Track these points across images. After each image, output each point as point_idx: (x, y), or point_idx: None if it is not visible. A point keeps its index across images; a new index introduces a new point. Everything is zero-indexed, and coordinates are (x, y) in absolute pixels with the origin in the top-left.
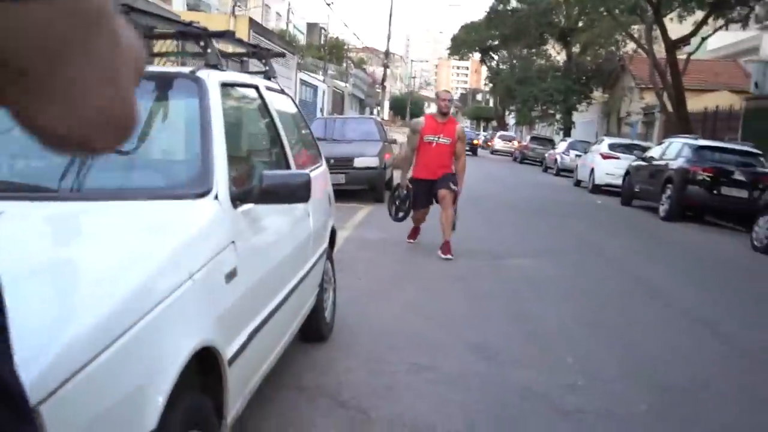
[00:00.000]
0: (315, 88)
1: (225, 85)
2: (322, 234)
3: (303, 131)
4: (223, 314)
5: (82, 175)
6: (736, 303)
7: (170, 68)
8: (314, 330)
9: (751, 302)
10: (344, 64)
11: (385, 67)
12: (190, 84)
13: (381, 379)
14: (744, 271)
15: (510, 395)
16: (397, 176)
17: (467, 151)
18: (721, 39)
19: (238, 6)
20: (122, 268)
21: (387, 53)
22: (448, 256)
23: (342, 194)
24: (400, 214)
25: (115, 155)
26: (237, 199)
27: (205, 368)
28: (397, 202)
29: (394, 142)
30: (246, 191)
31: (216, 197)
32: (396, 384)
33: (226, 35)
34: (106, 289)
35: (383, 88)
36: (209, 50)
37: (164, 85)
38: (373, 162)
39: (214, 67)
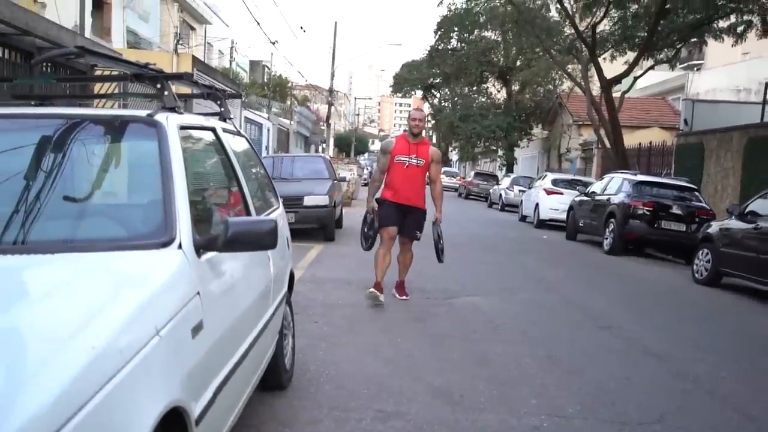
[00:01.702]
0: (260, 125)
1: (183, 128)
2: (282, 278)
3: (259, 172)
4: (190, 370)
5: (36, 226)
6: (683, 334)
7: (125, 111)
8: (274, 378)
9: (696, 333)
10: (288, 102)
11: (330, 104)
12: (147, 128)
13: (347, 428)
14: (687, 302)
15: None
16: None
17: None
18: (650, 78)
19: (181, 44)
20: (85, 326)
21: (331, 91)
22: (404, 297)
23: (292, 233)
24: (369, 241)
25: (70, 203)
26: (201, 248)
27: (169, 429)
28: (365, 229)
29: (344, 180)
30: (210, 239)
31: (180, 246)
32: None
33: (184, 77)
34: (68, 352)
35: (328, 125)
36: (166, 92)
37: (120, 128)
38: (323, 200)
39: (172, 109)
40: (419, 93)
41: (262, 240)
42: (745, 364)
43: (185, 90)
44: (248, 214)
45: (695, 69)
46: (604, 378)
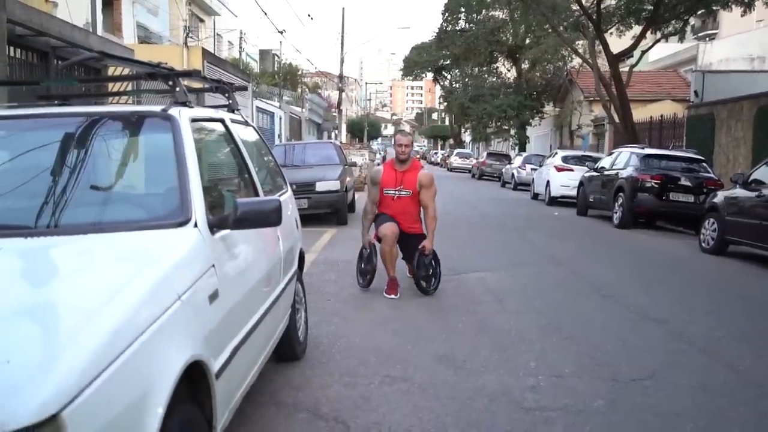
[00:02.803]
0: (272, 114)
1: (194, 121)
2: (291, 257)
3: (267, 159)
4: (209, 332)
5: (67, 211)
6: (684, 300)
7: (141, 107)
8: (288, 349)
9: (697, 299)
10: (299, 90)
11: (340, 90)
12: (162, 121)
13: (356, 391)
14: (692, 270)
15: (477, 398)
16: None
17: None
18: (662, 50)
19: (191, 37)
20: (118, 291)
21: (341, 77)
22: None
23: (306, 219)
24: (367, 277)
25: (96, 191)
26: (214, 226)
27: (193, 383)
28: (362, 265)
29: (354, 165)
30: (222, 218)
31: (195, 225)
32: (371, 395)
33: (193, 74)
34: (105, 311)
35: (339, 111)
36: (177, 89)
37: (137, 123)
38: (335, 186)
39: (183, 104)
40: (430, 75)
41: (267, 217)
42: (741, 326)
43: (196, 84)
44: (256, 196)
45: (707, 39)
46: (601, 341)
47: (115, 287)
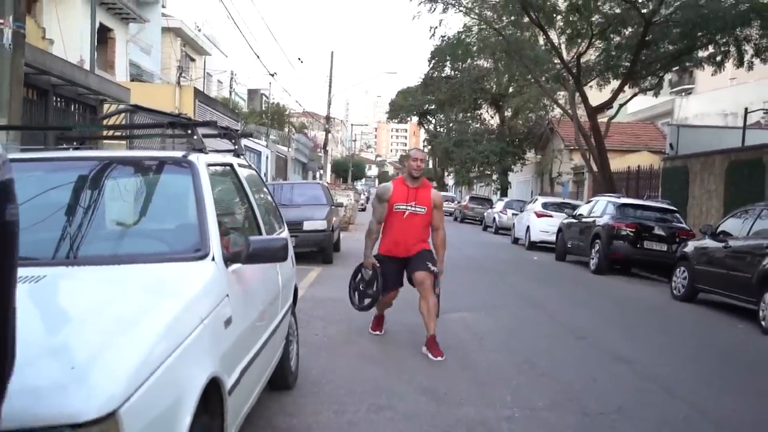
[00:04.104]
0: (259, 153)
1: (209, 165)
2: (288, 290)
3: (267, 200)
4: (223, 354)
5: (101, 245)
6: (654, 343)
7: (164, 152)
8: (281, 379)
9: (666, 343)
10: (286, 129)
11: (327, 131)
12: (183, 166)
13: (344, 418)
14: (663, 316)
15: (457, 427)
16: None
17: None
18: (640, 103)
19: (183, 77)
20: (153, 312)
21: (328, 118)
22: (439, 358)
23: None
24: (366, 301)
25: (125, 227)
26: (228, 260)
27: (206, 399)
28: (361, 286)
29: (341, 205)
30: (236, 253)
31: (213, 259)
32: (359, 421)
33: (209, 124)
34: (148, 327)
35: (325, 152)
36: (195, 137)
37: (161, 167)
38: (322, 225)
39: (200, 150)
40: (415, 119)
41: (276, 254)
42: (703, 369)
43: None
44: (260, 234)
45: (683, 94)
46: (573, 379)
47: (149, 309)
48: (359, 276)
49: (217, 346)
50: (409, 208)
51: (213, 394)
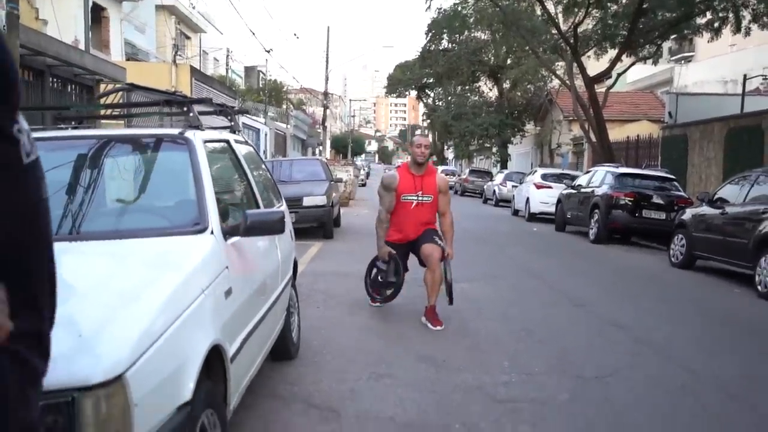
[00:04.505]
0: (257, 131)
1: (206, 142)
2: (287, 264)
3: (265, 175)
4: (224, 323)
5: (104, 220)
6: (650, 310)
7: (161, 130)
8: (283, 349)
9: (663, 309)
10: (284, 106)
11: (325, 107)
12: (180, 143)
13: (346, 386)
14: (660, 283)
15: (455, 392)
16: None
17: None
18: (639, 72)
19: (179, 55)
20: (157, 282)
21: (326, 94)
22: (438, 327)
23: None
24: (388, 291)
25: (126, 204)
26: (227, 233)
27: (209, 366)
28: (380, 278)
29: (341, 181)
30: (234, 227)
31: (212, 232)
32: (359, 389)
33: (205, 101)
34: (152, 296)
35: (324, 128)
36: (191, 114)
37: (159, 144)
38: (321, 200)
39: (197, 127)
40: (413, 93)
41: (273, 226)
42: (697, 332)
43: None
44: (258, 208)
45: (683, 62)
46: (570, 345)
47: (152, 280)
48: (374, 271)
49: (218, 316)
50: (416, 198)
51: (216, 362)
